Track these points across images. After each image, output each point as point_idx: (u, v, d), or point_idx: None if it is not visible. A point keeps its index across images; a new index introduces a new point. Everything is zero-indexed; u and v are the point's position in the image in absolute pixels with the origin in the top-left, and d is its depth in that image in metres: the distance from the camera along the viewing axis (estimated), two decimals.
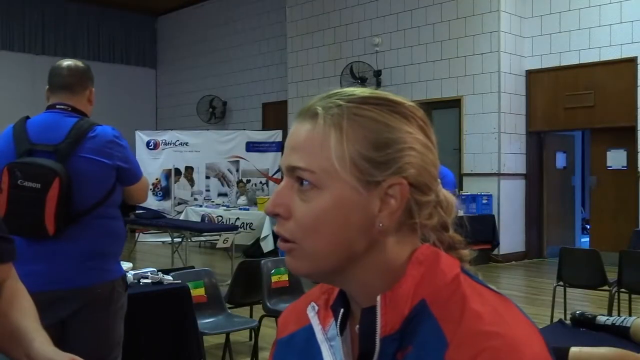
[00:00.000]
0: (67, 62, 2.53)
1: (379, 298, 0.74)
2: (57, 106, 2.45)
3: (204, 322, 3.96)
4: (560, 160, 10.19)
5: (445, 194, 0.81)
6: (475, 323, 0.69)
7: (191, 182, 12.35)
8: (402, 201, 0.75)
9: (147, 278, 3.63)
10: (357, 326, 0.77)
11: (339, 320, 0.80)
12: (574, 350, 2.17)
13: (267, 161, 12.17)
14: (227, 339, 4.27)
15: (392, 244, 0.76)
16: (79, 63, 2.56)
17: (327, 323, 0.81)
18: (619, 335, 2.53)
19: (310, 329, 0.83)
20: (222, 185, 12.34)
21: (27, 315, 1.21)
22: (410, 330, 0.72)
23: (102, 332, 2.39)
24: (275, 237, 9.39)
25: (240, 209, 10.98)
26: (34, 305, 1.25)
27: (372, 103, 0.77)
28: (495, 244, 8.89)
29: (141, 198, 2.64)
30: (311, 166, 0.75)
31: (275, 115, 13.09)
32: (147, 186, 2.68)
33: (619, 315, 3.96)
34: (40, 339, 1.15)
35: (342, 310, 0.80)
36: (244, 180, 12.06)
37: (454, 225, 0.81)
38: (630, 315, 3.86)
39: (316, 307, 0.84)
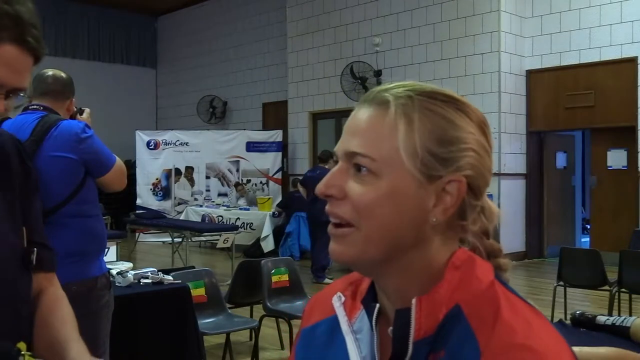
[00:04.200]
0: (52, 71, 2.58)
1: (414, 301, 0.73)
2: (30, 107, 2.48)
3: (205, 322, 3.96)
4: (561, 160, 10.19)
5: (489, 201, 0.81)
6: (508, 334, 0.69)
7: (191, 182, 12.35)
8: (457, 199, 0.75)
9: (147, 278, 3.63)
10: (390, 328, 0.76)
11: (374, 315, 0.79)
12: (574, 350, 2.17)
13: (268, 161, 12.16)
14: (228, 338, 4.28)
15: (438, 244, 0.76)
16: (63, 73, 2.62)
17: (353, 315, 0.81)
18: (619, 335, 2.53)
19: (334, 319, 0.82)
20: (222, 185, 12.34)
21: (65, 324, 1.18)
22: (444, 334, 0.72)
23: (83, 331, 2.30)
24: (276, 237, 9.39)
25: (241, 209, 10.99)
26: (73, 313, 1.23)
27: (441, 99, 0.77)
28: None
29: (116, 186, 2.59)
30: (372, 154, 0.74)
31: (275, 115, 13.09)
32: (123, 172, 2.60)
33: (619, 315, 3.95)
34: (76, 349, 1.11)
35: (377, 305, 0.79)
36: (244, 180, 12.07)
37: (493, 233, 0.81)
38: (630, 315, 3.86)
39: (342, 298, 0.83)
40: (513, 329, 0.69)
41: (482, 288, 0.73)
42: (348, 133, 0.77)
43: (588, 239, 9.97)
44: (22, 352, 1.01)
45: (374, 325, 0.79)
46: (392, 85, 0.79)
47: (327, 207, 0.77)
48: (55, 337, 1.14)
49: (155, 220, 10.23)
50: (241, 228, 9.84)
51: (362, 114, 0.77)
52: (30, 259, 1.13)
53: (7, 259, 1.08)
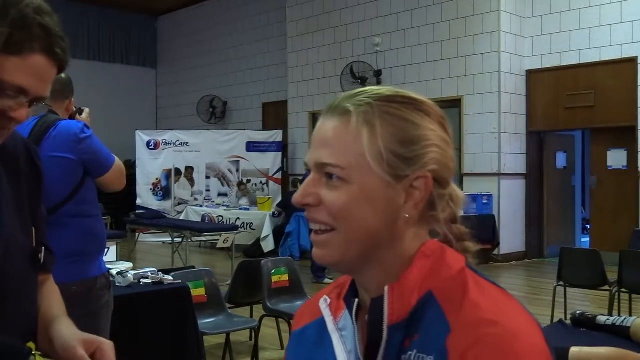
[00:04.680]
0: None
1: (386, 288, 0.78)
2: None
3: (205, 322, 3.96)
4: (561, 160, 10.19)
5: (454, 187, 0.84)
6: (475, 312, 0.72)
7: (191, 182, 12.34)
8: (426, 193, 0.79)
9: (147, 278, 3.63)
10: (367, 316, 0.80)
11: (354, 309, 0.83)
12: (574, 350, 2.17)
13: (268, 161, 12.17)
14: (228, 338, 4.28)
15: (411, 236, 0.80)
16: (62, 73, 2.61)
17: (338, 314, 0.85)
18: (619, 335, 2.53)
19: (322, 321, 0.86)
20: (222, 185, 12.34)
21: (53, 307, 1.24)
22: (417, 319, 0.75)
23: (82, 331, 2.29)
24: (276, 237, 9.39)
25: (241, 209, 10.99)
26: (62, 300, 1.31)
27: (399, 102, 0.81)
28: (496, 244, 8.89)
29: (116, 186, 2.58)
30: (341, 162, 0.78)
31: (275, 115, 13.09)
32: (122, 172, 2.59)
33: (619, 315, 3.96)
34: (60, 322, 1.17)
35: (356, 300, 0.84)
36: (244, 180, 12.07)
37: (460, 218, 0.85)
38: (630, 315, 3.86)
39: (328, 300, 0.87)
40: (479, 307, 0.73)
41: (452, 274, 0.77)
42: (316, 144, 0.81)
43: (588, 239, 9.96)
44: (33, 352, 1.03)
45: (354, 319, 0.82)
46: (353, 93, 0.83)
47: (305, 214, 0.82)
48: (42, 316, 1.19)
49: (155, 220, 10.23)
50: (241, 228, 9.84)
51: (327, 125, 0.81)
52: (38, 258, 1.17)
53: (18, 259, 1.12)
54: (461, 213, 0.85)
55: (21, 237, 1.14)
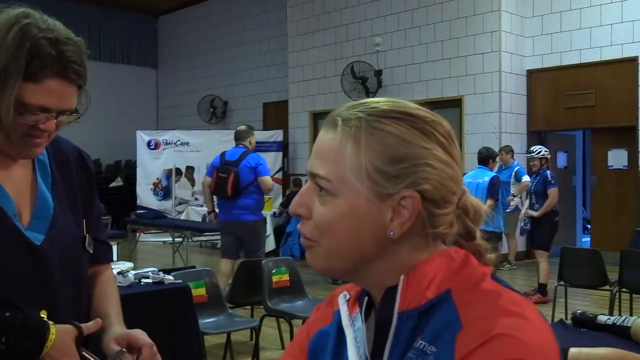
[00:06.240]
0: None
1: (402, 277, 0.78)
2: None
3: (205, 321, 3.96)
4: (561, 159, 10.18)
5: (474, 202, 0.83)
6: (493, 315, 0.71)
7: (192, 181, 12.34)
8: (413, 213, 0.77)
9: (148, 278, 3.63)
10: (379, 303, 0.81)
11: (363, 307, 0.84)
12: (573, 351, 2.16)
13: (268, 161, 12.08)
14: (228, 338, 4.28)
15: (406, 250, 0.79)
16: None
17: (354, 311, 0.86)
18: (619, 335, 2.53)
19: (338, 313, 0.88)
20: None
21: (107, 301, 1.45)
22: (431, 313, 0.75)
23: (254, 243, 5.99)
24: (277, 236, 9.43)
25: None
26: (118, 292, 1.55)
27: (392, 117, 0.79)
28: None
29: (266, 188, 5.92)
30: (328, 175, 0.78)
31: (276, 115, 13.08)
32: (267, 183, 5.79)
33: (620, 315, 3.95)
34: (108, 322, 1.38)
35: (366, 298, 0.84)
36: None
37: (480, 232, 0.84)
38: (631, 315, 3.86)
39: (347, 296, 0.89)
40: (499, 310, 0.72)
41: (475, 277, 0.77)
42: (313, 154, 0.82)
43: (589, 239, 9.95)
44: (49, 324, 1.20)
45: (363, 317, 0.83)
46: (351, 104, 0.83)
47: (297, 225, 0.84)
48: (101, 313, 1.42)
49: (156, 220, 10.23)
50: None
51: (321, 136, 0.82)
52: (85, 245, 1.40)
53: (72, 243, 1.36)
54: (479, 227, 0.83)
55: (74, 226, 1.37)
